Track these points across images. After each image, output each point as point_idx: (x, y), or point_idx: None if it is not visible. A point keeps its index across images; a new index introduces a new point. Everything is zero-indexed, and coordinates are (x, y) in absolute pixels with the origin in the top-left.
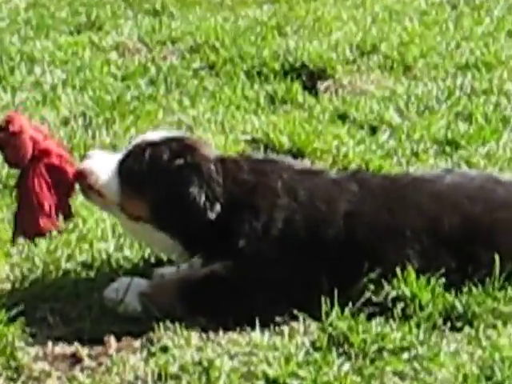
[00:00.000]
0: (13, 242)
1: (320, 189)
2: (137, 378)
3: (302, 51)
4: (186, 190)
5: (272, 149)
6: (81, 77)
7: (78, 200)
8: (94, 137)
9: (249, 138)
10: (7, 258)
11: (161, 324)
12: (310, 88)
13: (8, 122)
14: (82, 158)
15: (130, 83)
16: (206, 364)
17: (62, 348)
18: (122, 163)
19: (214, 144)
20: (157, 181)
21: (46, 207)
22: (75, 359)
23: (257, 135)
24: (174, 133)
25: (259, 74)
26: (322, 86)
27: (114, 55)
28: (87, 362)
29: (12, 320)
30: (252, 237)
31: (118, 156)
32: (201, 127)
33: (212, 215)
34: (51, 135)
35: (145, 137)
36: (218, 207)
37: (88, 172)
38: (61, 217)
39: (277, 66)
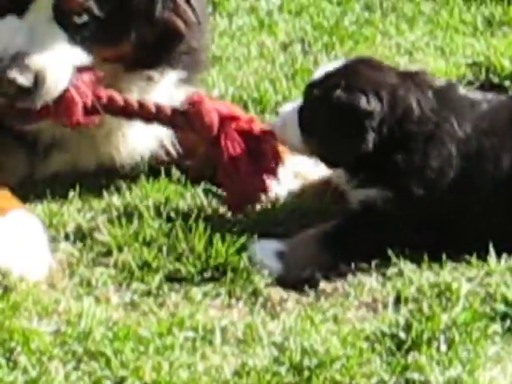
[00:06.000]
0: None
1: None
2: (375, 300)
3: None
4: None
5: (493, 72)
6: (296, 2)
7: None
8: (315, 62)
9: (470, 61)
10: None
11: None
12: None
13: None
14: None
15: (346, 8)
16: (442, 287)
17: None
18: (301, 114)
19: (433, 69)
20: (321, 121)
21: (245, 173)
22: (311, 283)
23: (478, 59)
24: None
25: None
26: None
27: None
28: (323, 285)
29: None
30: (416, 173)
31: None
32: (420, 51)
33: (367, 147)
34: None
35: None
36: (372, 139)
37: (276, 133)
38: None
39: None
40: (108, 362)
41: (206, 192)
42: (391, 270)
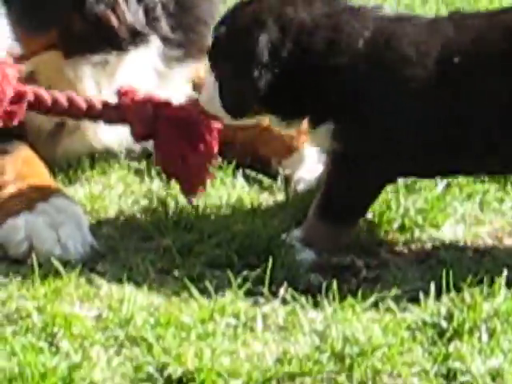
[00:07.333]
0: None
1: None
2: (416, 289)
3: None
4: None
5: None
6: None
7: None
8: None
9: None
10: None
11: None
12: None
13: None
14: None
15: None
16: (484, 276)
17: (338, 259)
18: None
19: None
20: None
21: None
22: (352, 270)
23: None
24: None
25: None
26: None
27: None
28: (365, 273)
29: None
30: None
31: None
32: None
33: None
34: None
35: None
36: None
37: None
38: None
39: None
40: (150, 348)
41: (247, 178)
42: (433, 259)
